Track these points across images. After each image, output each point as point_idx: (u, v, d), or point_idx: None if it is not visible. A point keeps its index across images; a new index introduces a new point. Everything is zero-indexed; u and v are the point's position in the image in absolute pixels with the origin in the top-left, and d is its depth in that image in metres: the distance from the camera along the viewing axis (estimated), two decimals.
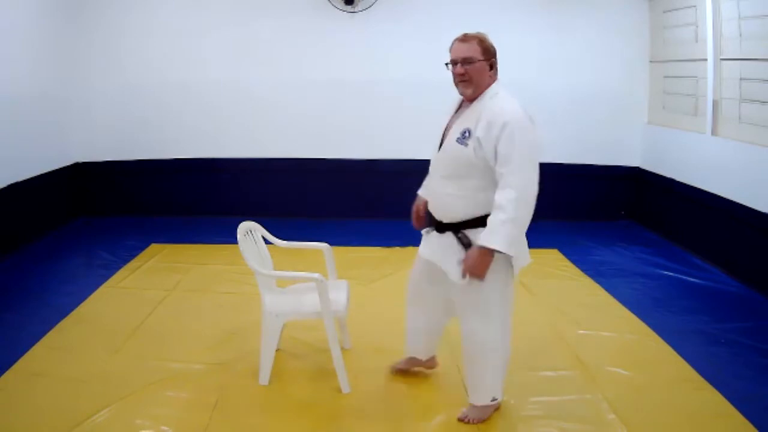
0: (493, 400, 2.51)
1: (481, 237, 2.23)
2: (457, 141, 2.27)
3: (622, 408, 2.61)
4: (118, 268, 4.31)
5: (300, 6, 5.39)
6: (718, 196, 4.39)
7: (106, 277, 4.11)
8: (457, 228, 2.34)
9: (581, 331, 3.39)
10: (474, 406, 2.53)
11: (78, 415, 2.50)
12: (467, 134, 2.24)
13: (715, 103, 4.50)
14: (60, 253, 4.67)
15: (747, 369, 2.97)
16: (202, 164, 5.65)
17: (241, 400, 2.67)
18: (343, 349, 2.84)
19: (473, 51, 2.24)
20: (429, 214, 2.52)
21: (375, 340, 3.17)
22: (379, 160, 5.45)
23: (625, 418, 2.54)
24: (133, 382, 2.78)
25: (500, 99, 2.25)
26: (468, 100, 2.32)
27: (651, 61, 5.47)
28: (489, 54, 2.26)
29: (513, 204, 2.18)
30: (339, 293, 2.83)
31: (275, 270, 2.90)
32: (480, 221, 2.28)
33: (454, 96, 2.44)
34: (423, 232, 2.55)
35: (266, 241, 2.98)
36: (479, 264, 2.25)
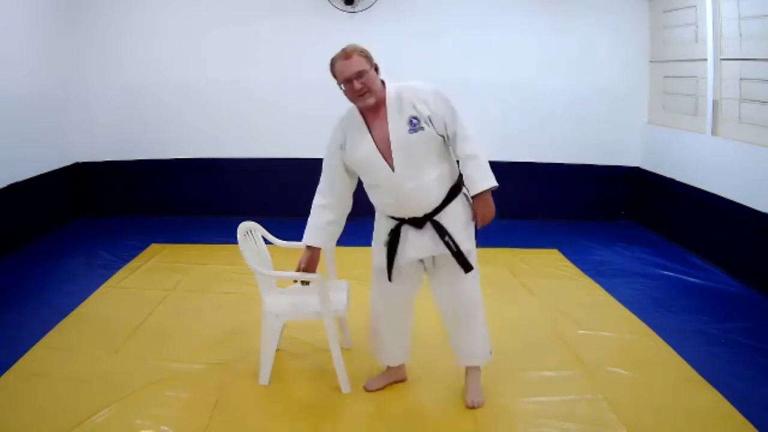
0: (490, 352, 2.70)
1: (475, 186, 2.38)
2: (410, 132, 2.33)
3: (622, 408, 2.61)
4: (118, 268, 4.31)
5: (300, 6, 5.39)
6: (718, 196, 4.39)
7: (106, 277, 4.11)
8: (434, 213, 2.41)
9: (581, 331, 3.38)
10: (475, 381, 2.67)
11: (78, 415, 2.50)
12: (416, 121, 2.33)
13: (715, 103, 4.50)
14: (60, 253, 4.67)
15: (747, 369, 2.97)
16: (202, 164, 5.65)
17: (241, 400, 2.67)
18: (343, 349, 2.84)
19: (360, 64, 2.31)
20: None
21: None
22: None
23: (625, 418, 2.54)
24: (133, 382, 2.78)
25: (401, 84, 2.39)
26: (370, 108, 2.37)
27: (651, 61, 5.47)
28: (371, 60, 2.36)
29: (479, 149, 2.39)
30: (339, 293, 2.83)
31: (275, 270, 2.89)
32: (451, 193, 2.43)
33: (350, 110, 2.47)
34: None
35: (266, 241, 2.97)
36: (489, 207, 2.42)
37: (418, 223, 2.43)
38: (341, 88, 2.38)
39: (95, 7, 5.41)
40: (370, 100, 2.34)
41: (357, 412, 2.61)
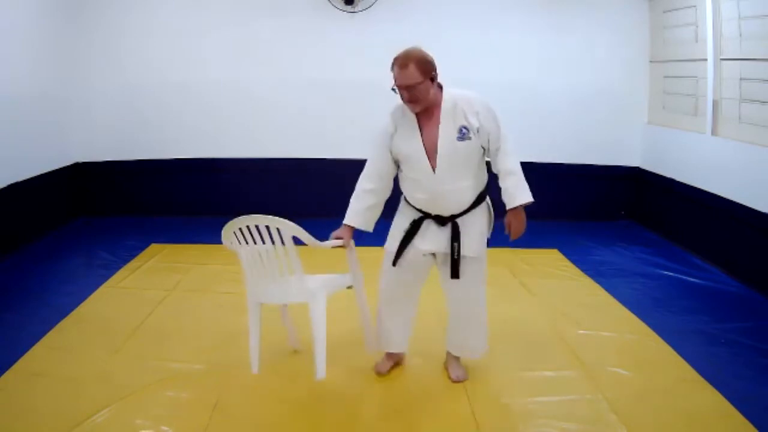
0: (486, 349, 2.89)
1: (513, 200, 2.56)
2: (458, 139, 2.47)
3: (622, 408, 2.61)
4: (118, 268, 4.31)
5: (300, 6, 5.39)
6: (718, 196, 4.39)
7: (106, 277, 4.11)
8: (459, 215, 2.58)
9: (581, 331, 3.39)
10: (455, 360, 2.85)
11: (78, 415, 2.50)
12: (466, 130, 2.47)
13: (715, 103, 4.50)
14: (60, 253, 4.67)
15: (747, 369, 2.97)
16: (202, 164, 5.65)
17: (241, 401, 2.67)
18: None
19: (413, 77, 2.39)
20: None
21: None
22: None
23: (625, 418, 2.54)
24: (133, 382, 2.78)
25: (458, 92, 2.52)
26: (419, 112, 2.51)
27: (651, 61, 5.47)
28: (427, 71, 2.42)
29: (518, 165, 2.57)
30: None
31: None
32: (477, 200, 2.61)
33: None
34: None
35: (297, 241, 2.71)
36: (523, 219, 2.64)
37: (441, 220, 2.59)
38: (395, 92, 2.49)
39: (95, 7, 5.41)
40: (417, 107, 2.47)
41: (359, 412, 2.61)
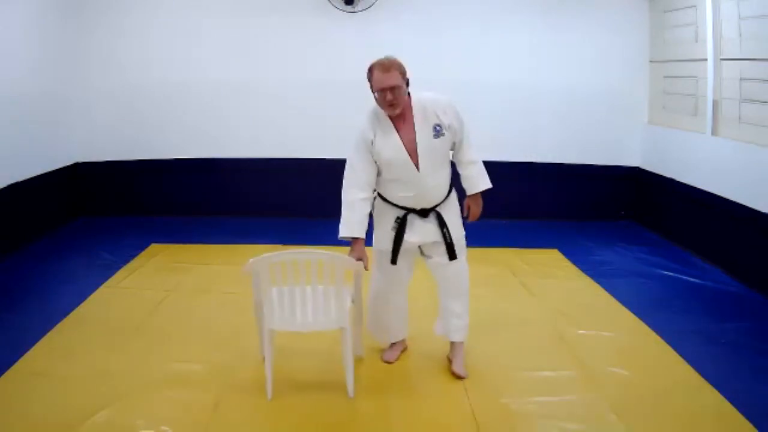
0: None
1: (473, 186, 2.84)
2: (435, 137, 2.68)
3: (622, 408, 2.61)
4: (118, 268, 4.31)
5: (300, 6, 5.39)
6: (718, 196, 4.39)
7: (106, 277, 4.11)
8: (438, 205, 2.78)
9: (581, 331, 3.39)
10: (461, 353, 2.95)
11: (78, 415, 2.50)
12: (439, 128, 2.68)
13: (715, 103, 4.50)
14: (60, 253, 4.67)
15: (747, 369, 2.97)
16: (202, 164, 5.65)
17: (241, 400, 2.67)
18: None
19: (396, 79, 2.59)
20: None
21: (369, 339, 3.16)
22: None
23: (625, 418, 2.54)
24: (133, 382, 2.78)
25: (424, 94, 2.72)
26: (397, 115, 2.67)
27: (651, 61, 5.47)
28: (404, 75, 2.64)
29: (478, 155, 2.84)
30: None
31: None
32: (450, 188, 2.84)
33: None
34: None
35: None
36: (480, 204, 2.92)
37: (425, 213, 2.77)
38: (373, 93, 2.66)
39: (95, 7, 5.41)
40: (397, 111, 2.64)
41: (359, 411, 2.61)
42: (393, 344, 3.07)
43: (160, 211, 5.68)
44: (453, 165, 2.86)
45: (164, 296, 3.82)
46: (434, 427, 2.53)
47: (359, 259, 2.68)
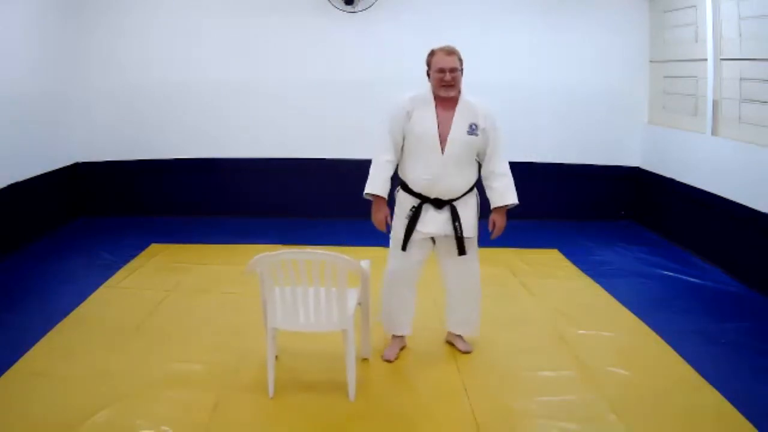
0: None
1: (502, 199, 2.89)
2: (468, 133, 2.79)
3: (622, 408, 2.61)
4: (118, 268, 4.31)
5: (300, 6, 5.39)
6: (718, 196, 4.39)
7: (106, 277, 4.11)
8: (454, 200, 2.86)
9: (581, 331, 3.39)
10: (466, 341, 3.11)
11: (78, 415, 2.50)
12: (475, 127, 2.80)
13: (715, 103, 4.50)
14: (60, 253, 4.67)
15: (747, 369, 2.97)
16: (202, 164, 5.65)
17: (241, 400, 2.67)
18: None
19: (457, 62, 2.78)
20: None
21: (376, 340, 3.16)
22: None
23: (625, 418, 2.54)
24: (133, 382, 2.78)
25: (472, 97, 2.85)
26: (446, 100, 2.80)
27: (651, 61, 5.47)
28: (462, 64, 2.81)
29: (508, 169, 2.91)
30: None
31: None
32: (469, 190, 2.91)
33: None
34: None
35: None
36: (505, 219, 2.96)
37: (439, 204, 2.84)
38: (428, 75, 2.83)
39: (95, 7, 5.41)
40: (452, 93, 2.78)
41: (359, 411, 2.61)
42: (394, 339, 3.10)
43: (160, 211, 5.68)
44: (479, 175, 2.95)
45: (164, 296, 3.82)
46: (434, 427, 2.52)
47: (384, 216, 2.87)
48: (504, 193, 2.88)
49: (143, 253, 4.65)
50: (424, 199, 2.86)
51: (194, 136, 5.62)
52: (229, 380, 2.82)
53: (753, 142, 4.09)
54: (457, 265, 2.96)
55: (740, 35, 4.19)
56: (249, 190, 5.66)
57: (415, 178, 2.86)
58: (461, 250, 2.88)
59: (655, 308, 3.69)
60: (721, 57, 4.41)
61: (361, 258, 2.83)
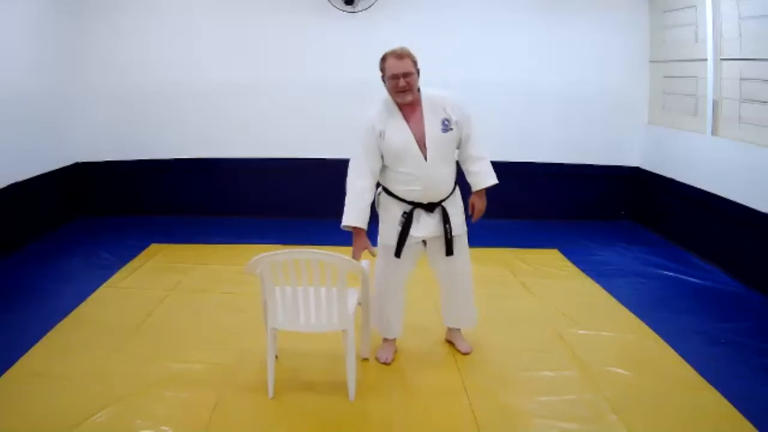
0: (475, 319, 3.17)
1: (483, 181, 2.87)
2: (443, 131, 2.74)
3: (622, 408, 2.61)
4: (118, 268, 4.31)
5: (300, 6, 5.39)
6: (718, 196, 4.39)
7: (106, 277, 4.11)
8: (443, 200, 2.82)
9: (581, 331, 3.39)
10: (458, 335, 3.14)
11: (78, 415, 2.50)
12: (447, 122, 2.74)
13: (715, 103, 4.50)
14: (60, 253, 4.67)
15: (747, 369, 2.97)
16: (202, 164, 5.65)
17: (241, 400, 2.67)
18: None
19: (409, 66, 2.68)
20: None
21: (376, 340, 3.16)
22: None
23: (625, 418, 2.54)
24: (133, 382, 2.78)
25: (432, 90, 2.79)
26: (407, 105, 2.73)
27: (651, 61, 5.47)
28: (416, 65, 2.72)
29: (486, 152, 2.89)
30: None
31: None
32: (454, 185, 2.88)
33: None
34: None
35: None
36: (485, 201, 2.95)
37: (431, 207, 2.80)
38: (383, 81, 2.74)
39: (95, 7, 5.41)
40: (409, 98, 2.70)
41: (359, 412, 2.61)
42: (385, 342, 3.08)
43: (160, 211, 5.68)
44: (457, 164, 2.90)
45: (164, 296, 3.82)
46: (434, 427, 2.53)
47: (364, 249, 2.74)
48: (484, 175, 2.87)
49: (143, 253, 4.65)
50: (415, 205, 2.81)
51: (194, 136, 5.62)
52: (229, 380, 2.82)
53: (753, 142, 4.08)
54: (448, 261, 2.93)
55: (740, 35, 4.19)
56: (249, 190, 5.67)
57: (404, 189, 2.79)
58: (449, 251, 2.85)
59: (655, 308, 3.69)
60: (721, 57, 4.41)
61: (361, 258, 2.84)
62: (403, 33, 5.37)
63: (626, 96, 5.57)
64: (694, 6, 4.69)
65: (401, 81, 2.65)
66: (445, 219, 2.82)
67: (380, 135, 2.72)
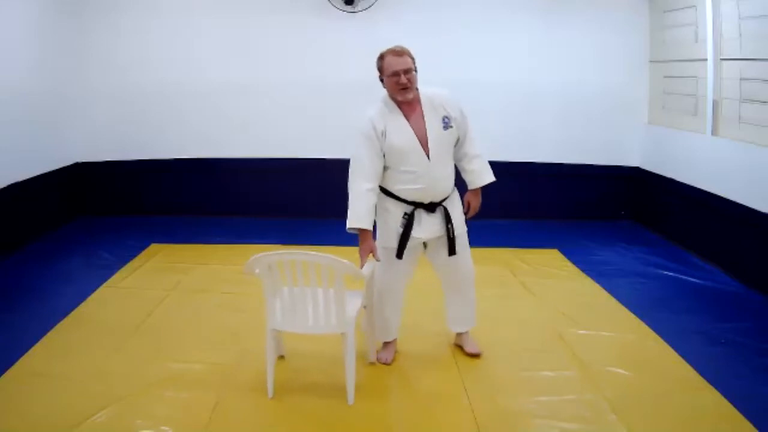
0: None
1: (480, 179, 2.88)
2: (444, 128, 2.74)
3: (622, 408, 2.61)
4: (118, 268, 4.31)
5: (300, 6, 5.39)
6: (718, 196, 4.39)
7: (106, 277, 4.11)
8: (444, 200, 2.81)
9: (581, 331, 3.38)
10: (468, 337, 3.11)
11: (78, 415, 2.50)
12: (447, 120, 2.74)
13: (715, 103, 4.50)
14: (60, 253, 4.67)
15: (747, 369, 2.97)
16: (202, 164, 5.65)
17: (241, 400, 2.67)
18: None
19: (409, 63, 2.68)
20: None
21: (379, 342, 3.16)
22: None
23: (625, 418, 2.54)
24: (133, 382, 2.78)
25: (429, 89, 2.79)
26: (407, 104, 2.73)
27: (651, 61, 5.47)
28: (414, 62, 2.72)
29: (481, 149, 2.89)
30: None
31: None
32: (453, 183, 2.87)
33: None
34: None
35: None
36: (480, 199, 2.96)
37: (432, 207, 2.79)
38: (381, 80, 2.74)
39: (95, 7, 5.41)
40: (409, 95, 2.69)
41: (358, 412, 2.61)
42: (386, 344, 3.06)
43: (160, 211, 5.68)
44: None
45: (164, 296, 3.82)
46: (434, 427, 2.53)
47: (370, 251, 2.69)
48: (482, 173, 2.87)
49: (143, 253, 4.65)
50: (416, 205, 2.78)
51: (194, 136, 5.62)
52: (229, 380, 2.82)
53: (753, 142, 4.08)
54: (452, 261, 2.91)
55: (740, 35, 4.19)
56: (249, 190, 5.67)
57: (408, 189, 2.75)
58: (452, 251, 2.83)
59: (655, 308, 3.69)
60: (721, 57, 4.41)
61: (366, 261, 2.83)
62: (403, 33, 5.37)
63: (626, 96, 5.58)
64: (694, 6, 4.69)
65: (402, 78, 2.64)
66: (447, 218, 2.80)
67: (382, 134, 2.69)
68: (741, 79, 4.20)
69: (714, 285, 4.11)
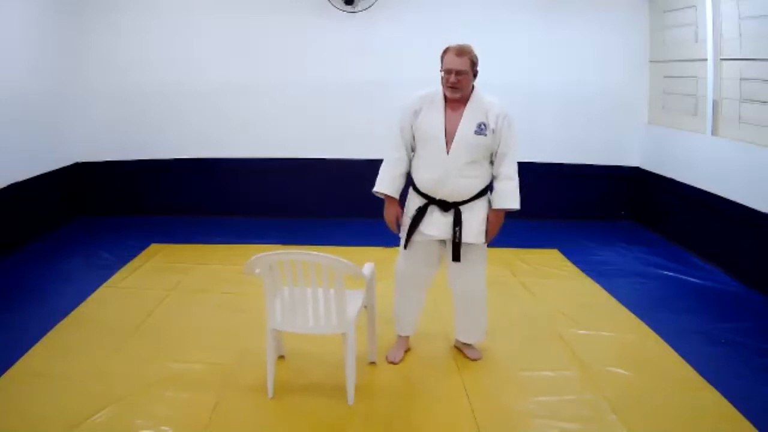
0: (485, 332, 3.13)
1: (504, 201, 2.81)
2: (475, 133, 2.73)
3: (622, 408, 2.61)
4: (118, 268, 4.31)
5: (300, 6, 5.39)
6: (718, 196, 4.39)
7: (106, 277, 4.11)
8: (461, 204, 2.78)
9: (581, 331, 3.39)
10: (475, 348, 3.09)
11: (78, 415, 2.50)
12: (483, 127, 2.73)
13: (715, 103, 4.50)
14: (60, 253, 4.67)
15: (747, 369, 2.97)
16: (202, 164, 5.65)
17: (240, 400, 2.67)
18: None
19: (465, 65, 2.70)
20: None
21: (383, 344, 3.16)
22: (378, 160, 5.36)
23: (625, 418, 2.54)
24: (133, 382, 2.78)
25: (487, 96, 2.82)
26: (454, 100, 2.76)
27: (651, 61, 5.47)
28: (475, 66, 2.76)
29: (516, 173, 2.83)
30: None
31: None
32: (479, 194, 2.81)
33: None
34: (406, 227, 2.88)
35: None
36: (501, 222, 2.88)
37: (445, 206, 2.78)
38: (441, 72, 2.75)
39: (95, 7, 5.41)
40: (456, 95, 2.73)
41: (358, 412, 2.61)
42: (399, 339, 3.08)
43: (160, 211, 5.68)
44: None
45: (164, 296, 3.82)
46: (434, 427, 2.53)
47: (395, 216, 2.84)
48: (504, 196, 2.81)
49: (143, 253, 4.65)
50: (430, 200, 2.80)
51: (194, 136, 5.62)
52: (229, 380, 2.82)
53: (753, 142, 4.09)
54: (461, 271, 2.89)
55: (740, 35, 4.19)
56: (249, 190, 5.67)
57: (422, 177, 2.81)
58: (456, 256, 2.80)
59: (655, 308, 3.69)
60: (721, 57, 4.41)
61: (362, 259, 2.84)
62: (403, 33, 5.40)
63: (626, 96, 5.58)
64: (694, 6, 4.69)
65: (452, 77, 2.69)
66: (456, 221, 2.77)
67: (415, 113, 2.79)
68: (741, 79, 4.20)
69: (714, 285, 4.11)
